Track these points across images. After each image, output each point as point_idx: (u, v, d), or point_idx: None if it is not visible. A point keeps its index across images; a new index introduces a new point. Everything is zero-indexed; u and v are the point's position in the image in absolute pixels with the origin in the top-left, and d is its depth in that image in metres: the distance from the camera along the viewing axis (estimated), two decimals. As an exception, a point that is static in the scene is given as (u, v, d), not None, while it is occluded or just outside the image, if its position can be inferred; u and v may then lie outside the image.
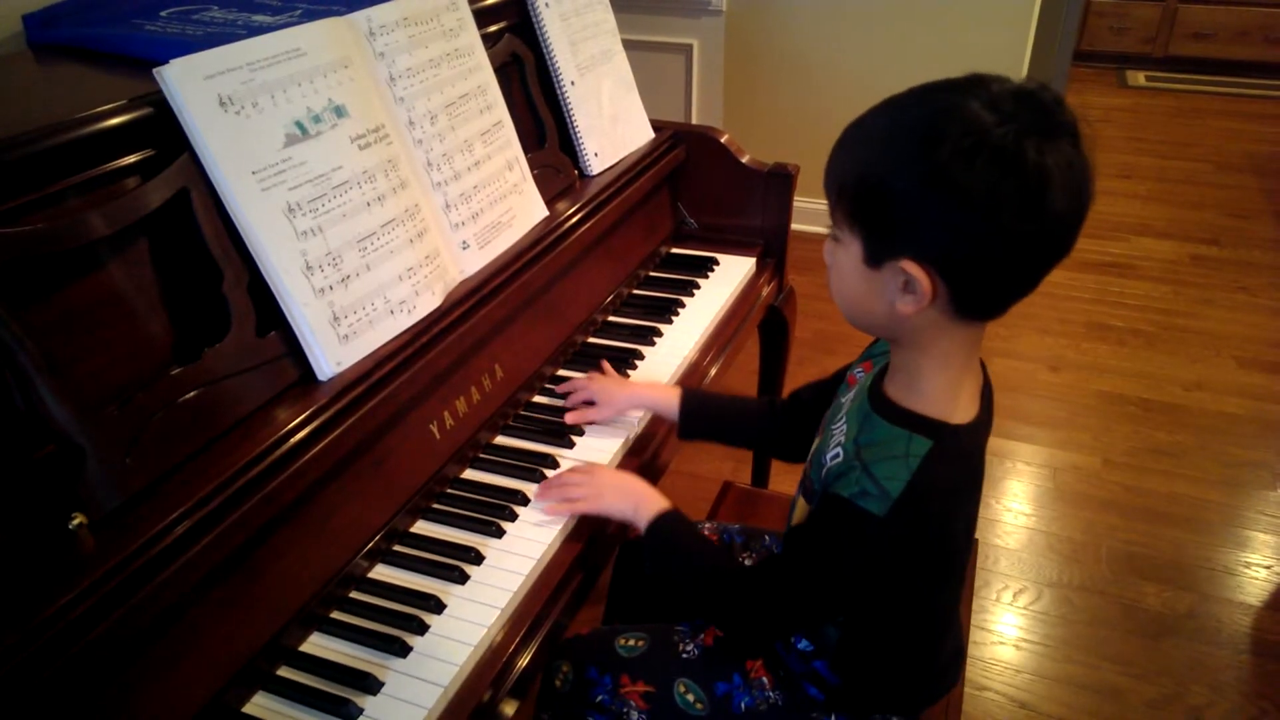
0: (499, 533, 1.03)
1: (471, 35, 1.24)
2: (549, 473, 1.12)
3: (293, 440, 0.88)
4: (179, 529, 0.77)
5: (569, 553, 1.04)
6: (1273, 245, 3.30)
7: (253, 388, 0.91)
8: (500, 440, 1.20)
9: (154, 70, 0.85)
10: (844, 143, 0.79)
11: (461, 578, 0.97)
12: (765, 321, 1.73)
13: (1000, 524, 2.06)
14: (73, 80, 1.09)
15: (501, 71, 1.32)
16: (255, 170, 0.90)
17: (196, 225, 0.87)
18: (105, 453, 0.77)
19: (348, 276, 0.98)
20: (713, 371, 1.44)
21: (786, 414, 1.16)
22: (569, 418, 1.21)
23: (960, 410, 0.83)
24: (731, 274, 1.62)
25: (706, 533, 1.23)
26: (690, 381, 1.38)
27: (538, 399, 1.29)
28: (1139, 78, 5.11)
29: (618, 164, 1.54)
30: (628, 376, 1.34)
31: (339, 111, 0.99)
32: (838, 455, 0.86)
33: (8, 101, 0.99)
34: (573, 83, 1.47)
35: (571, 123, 1.47)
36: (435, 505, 1.08)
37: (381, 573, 0.99)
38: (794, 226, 1.71)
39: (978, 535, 1.85)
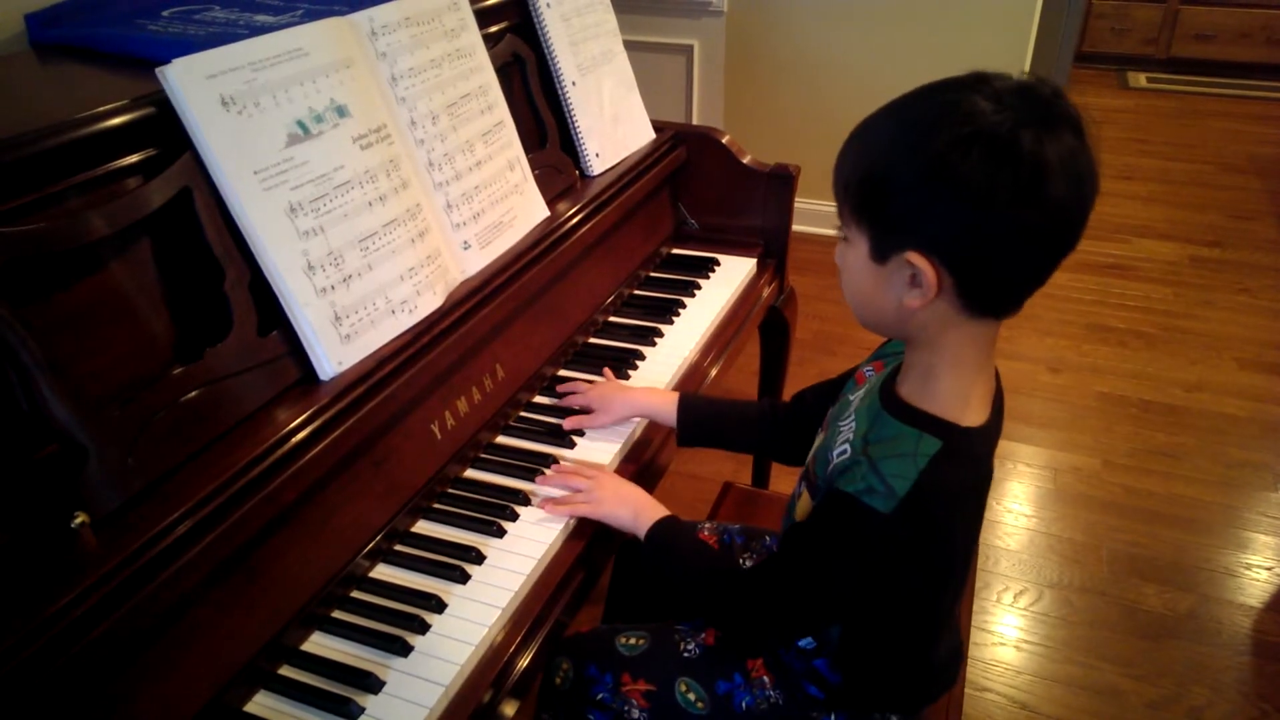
0: (500, 532, 1.03)
1: (473, 35, 1.24)
2: (550, 473, 1.13)
3: (294, 440, 0.88)
4: (181, 528, 0.77)
5: (570, 552, 1.04)
6: (1274, 247, 3.30)
7: (254, 387, 0.91)
8: (501, 440, 1.20)
9: (156, 70, 0.85)
10: (850, 142, 0.80)
11: (463, 577, 0.97)
12: (766, 322, 1.73)
13: (1001, 525, 2.06)
14: (75, 80, 1.09)
15: (503, 72, 1.32)
16: (257, 170, 0.90)
17: (198, 225, 0.87)
18: (107, 452, 0.77)
19: (349, 276, 0.98)
20: (713, 372, 1.44)
21: (790, 416, 1.16)
22: (567, 424, 1.22)
23: (971, 413, 0.83)
24: (732, 275, 1.62)
25: (707, 533, 1.23)
26: (691, 382, 1.38)
27: (539, 399, 1.29)
28: (1140, 79, 5.11)
29: (619, 164, 1.54)
30: (628, 378, 1.34)
31: (341, 111, 0.99)
32: (845, 451, 0.86)
33: (10, 101, 0.99)
34: (574, 83, 1.47)
35: (572, 123, 1.47)
36: (436, 505, 1.08)
37: (383, 572, 0.99)
38: (795, 227, 1.71)
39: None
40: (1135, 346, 2.72)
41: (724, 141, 1.65)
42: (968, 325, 0.80)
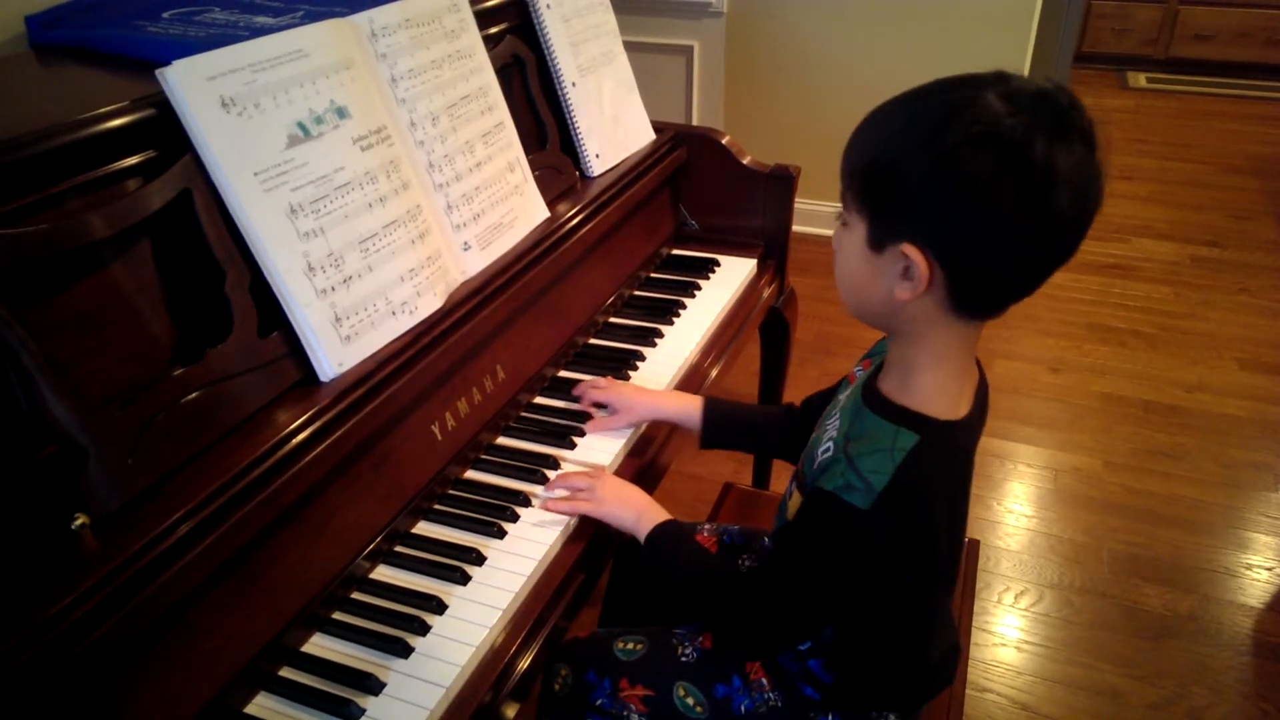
0: (500, 533, 1.03)
1: (473, 36, 1.24)
2: (550, 474, 1.13)
3: (294, 441, 0.88)
4: (181, 529, 0.77)
5: (570, 553, 1.04)
6: (1274, 247, 3.30)
7: (254, 388, 0.91)
8: (502, 441, 1.20)
9: (156, 71, 0.85)
10: (862, 128, 0.80)
11: (463, 578, 0.97)
12: (766, 323, 1.73)
13: (1001, 526, 2.06)
14: (75, 81, 1.09)
15: (503, 73, 1.32)
16: (257, 171, 0.90)
17: (199, 226, 0.87)
18: (107, 453, 0.77)
19: (349, 277, 0.98)
20: (714, 373, 1.44)
21: (802, 421, 1.16)
22: (589, 427, 1.21)
23: (951, 407, 0.83)
24: (732, 275, 1.62)
25: (706, 534, 1.23)
26: (691, 383, 1.38)
27: (539, 400, 1.29)
28: (1140, 79, 5.11)
29: (619, 165, 1.54)
30: (629, 378, 1.34)
31: (341, 113, 0.99)
32: (828, 449, 0.87)
33: (10, 102, 0.99)
34: (574, 84, 1.47)
35: (573, 124, 1.47)
36: (437, 506, 1.08)
37: (383, 573, 0.99)
38: (795, 228, 1.71)
39: (979, 537, 1.86)
40: (1135, 346, 2.72)
41: (724, 142, 1.65)
42: (953, 324, 0.80)
